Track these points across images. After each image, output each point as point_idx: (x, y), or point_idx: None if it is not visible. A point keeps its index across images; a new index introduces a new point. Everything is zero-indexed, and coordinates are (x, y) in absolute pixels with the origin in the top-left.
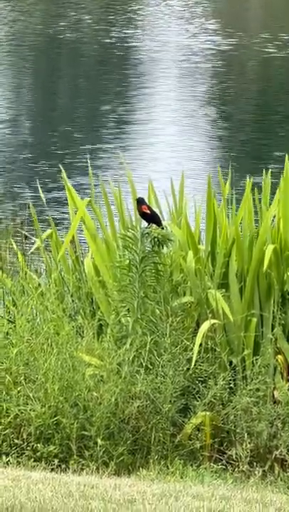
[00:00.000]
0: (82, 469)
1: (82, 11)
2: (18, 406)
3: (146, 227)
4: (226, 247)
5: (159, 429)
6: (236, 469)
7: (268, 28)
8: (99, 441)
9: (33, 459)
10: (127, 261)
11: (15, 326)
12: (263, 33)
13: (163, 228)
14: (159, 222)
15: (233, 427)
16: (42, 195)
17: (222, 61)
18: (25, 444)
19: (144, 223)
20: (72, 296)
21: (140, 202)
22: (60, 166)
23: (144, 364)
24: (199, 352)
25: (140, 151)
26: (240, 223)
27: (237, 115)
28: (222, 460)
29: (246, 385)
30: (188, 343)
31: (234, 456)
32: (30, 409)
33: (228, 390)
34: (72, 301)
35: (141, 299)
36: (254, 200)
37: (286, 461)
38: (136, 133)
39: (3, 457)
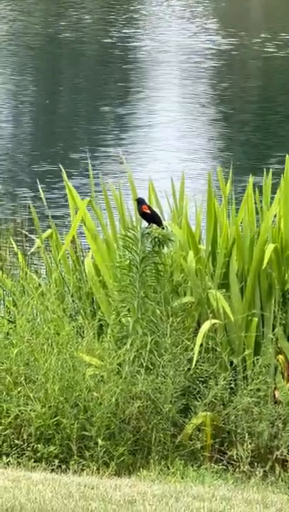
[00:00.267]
0: (82, 470)
1: (82, 10)
2: (19, 406)
3: (147, 227)
4: (227, 247)
5: (160, 429)
6: (237, 470)
7: (269, 28)
8: (99, 441)
9: (33, 460)
10: (128, 261)
11: (15, 326)
12: (263, 33)
13: (163, 228)
14: (159, 222)
15: (233, 427)
16: (42, 195)
17: (222, 61)
18: (26, 444)
19: (145, 223)
20: (72, 296)
21: (140, 202)
22: (61, 166)
23: (144, 364)
24: (200, 352)
25: (140, 151)
26: (241, 223)
27: (237, 115)
28: (223, 460)
29: (247, 385)
30: (188, 343)
31: (235, 457)
32: (30, 410)
33: (228, 390)
34: (73, 301)
35: (141, 299)
36: (255, 199)
37: (287, 461)
38: (136, 133)
39: (4, 458)
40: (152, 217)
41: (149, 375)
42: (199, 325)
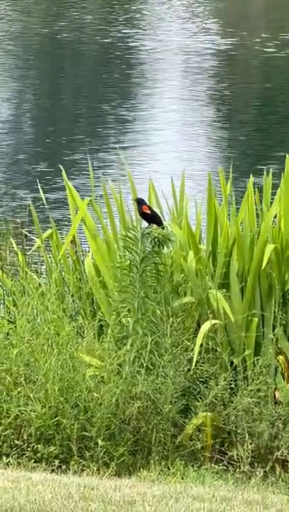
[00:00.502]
0: (82, 470)
1: (83, 10)
2: (19, 407)
3: (147, 228)
4: (227, 247)
5: (160, 429)
6: (237, 470)
7: (269, 28)
8: (99, 441)
9: (33, 460)
10: (128, 261)
11: (15, 327)
12: (263, 33)
13: (163, 228)
14: (159, 222)
15: (234, 428)
16: (42, 195)
17: (223, 61)
18: (26, 444)
19: (145, 223)
20: (72, 296)
21: (140, 202)
22: (60, 166)
23: (144, 364)
24: (200, 352)
25: (141, 151)
26: (241, 223)
27: (237, 115)
28: (223, 461)
29: (247, 386)
30: (189, 344)
31: (235, 457)
32: (30, 410)
33: (229, 390)
34: (73, 301)
35: (141, 300)
36: (255, 200)
37: (287, 461)
38: (136, 133)
39: (4, 458)
40: (152, 218)
41: (149, 375)
42: (199, 325)
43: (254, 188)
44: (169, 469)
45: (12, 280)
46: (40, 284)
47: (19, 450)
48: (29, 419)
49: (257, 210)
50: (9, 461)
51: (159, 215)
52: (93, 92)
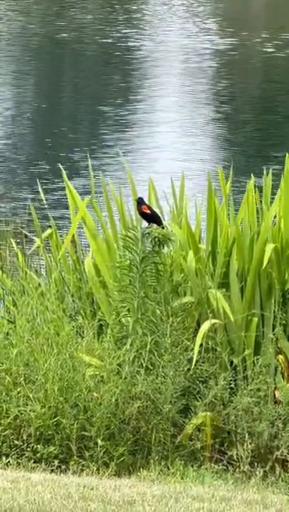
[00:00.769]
0: (82, 470)
1: (83, 10)
2: (18, 407)
3: (147, 227)
4: (227, 247)
5: (160, 429)
6: (237, 470)
7: (269, 28)
8: (99, 441)
9: (33, 460)
10: (128, 261)
11: (15, 327)
12: (263, 33)
13: (163, 228)
14: (159, 222)
15: (233, 428)
16: (42, 195)
17: (222, 61)
18: (25, 445)
19: (145, 223)
20: (72, 296)
21: (140, 202)
22: (60, 166)
23: (144, 364)
24: (200, 352)
25: (140, 151)
26: (241, 222)
27: (237, 115)
28: (223, 460)
29: (247, 385)
30: (188, 343)
31: (235, 457)
32: (30, 410)
33: (228, 390)
34: (73, 301)
35: (141, 299)
36: (255, 199)
37: (287, 461)
38: (136, 133)
39: (3, 458)
40: (152, 217)
41: (148, 375)
42: (199, 325)
43: (254, 188)
44: (168, 469)
45: (12, 280)
46: (39, 284)
47: (19, 450)
48: (29, 419)
49: (257, 209)
50: (9, 462)
51: (159, 214)
52: (93, 92)
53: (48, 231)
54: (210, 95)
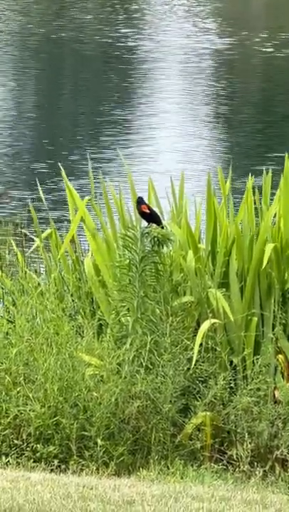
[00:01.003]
0: (82, 470)
1: (82, 10)
2: (18, 406)
3: (146, 227)
4: (227, 246)
5: (160, 429)
6: (237, 469)
7: (269, 28)
8: (99, 441)
9: (32, 460)
10: (127, 260)
11: (14, 326)
12: (263, 33)
13: (163, 227)
14: (158, 222)
15: (233, 427)
16: (42, 194)
17: (222, 61)
18: (25, 444)
19: (144, 223)
20: (72, 295)
21: (139, 201)
22: (60, 165)
23: (144, 364)
24: (199, 352)
25: (140, 151)
26: (241, 222)
27: (236, 115)
28: (223, 460)
29: (247, 385)
30: (188, 343)
31: (235, 456)
32: (29, 410)
33: (228, 389)
34: (72, 300)
35: (141, 299)
36: (254, 199)
37: (287, 461)
38: (136, 133)
39: (3, 458)
40: (151, 217)
41: (148, 374)
42: (199, 324)
43: (254, 188)
44: (168, 469)
45: (11, 280)
46: (39, 284)
47: (18, 450)
48: (28, 419)
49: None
50: (8, 461)
51: (158, 214)
52: (93, 92)
53: (48, 231)
54: (209, 95)
